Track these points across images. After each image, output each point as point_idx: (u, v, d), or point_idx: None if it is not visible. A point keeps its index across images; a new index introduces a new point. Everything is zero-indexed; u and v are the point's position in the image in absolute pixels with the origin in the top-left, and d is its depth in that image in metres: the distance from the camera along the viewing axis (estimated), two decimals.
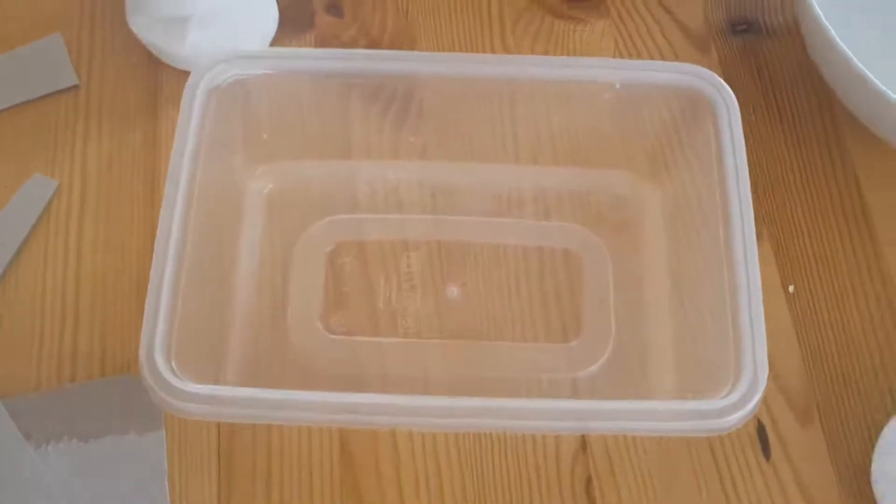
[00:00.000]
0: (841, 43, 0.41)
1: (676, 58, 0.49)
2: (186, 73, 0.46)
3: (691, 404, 0.33)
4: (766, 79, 0.49)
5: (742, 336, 0.34)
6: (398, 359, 0.42)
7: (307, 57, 0.40)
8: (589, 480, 0.40)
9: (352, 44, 0.49)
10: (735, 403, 0.33)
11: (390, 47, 0.49)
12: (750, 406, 0.33)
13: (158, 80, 0.47)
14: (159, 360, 0.33)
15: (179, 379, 0.33)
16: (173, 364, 0.33)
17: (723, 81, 0.39)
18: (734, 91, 0.48)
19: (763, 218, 0.45)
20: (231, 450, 0.39)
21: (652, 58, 0.49)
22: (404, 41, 0.49)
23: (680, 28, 0.50)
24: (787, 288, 0.44)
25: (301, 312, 0.42)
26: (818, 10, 0.41)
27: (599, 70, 0.39)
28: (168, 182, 0.36)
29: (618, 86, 0.39)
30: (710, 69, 0.48)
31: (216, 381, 0.38)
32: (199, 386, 0.33)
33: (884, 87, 0.40)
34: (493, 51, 0.49)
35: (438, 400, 0.34)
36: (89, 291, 0.42)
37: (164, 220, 0.35)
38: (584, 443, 0.40)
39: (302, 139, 0.44)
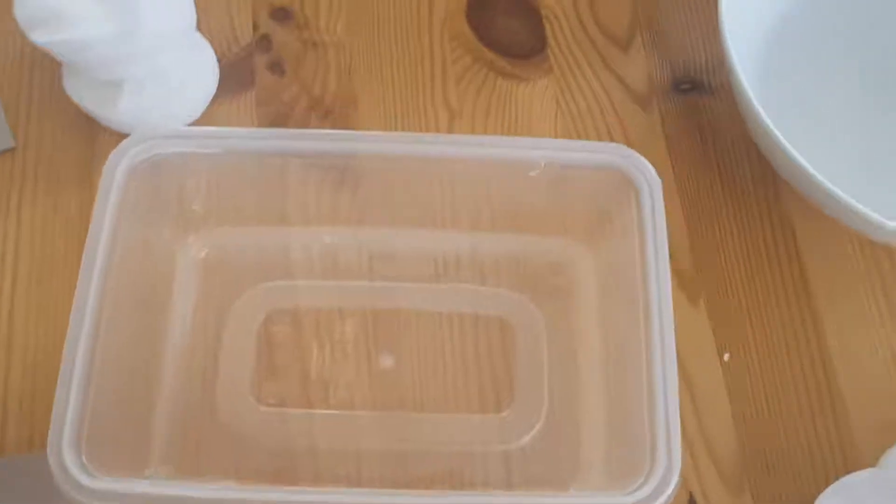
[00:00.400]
0: (768, 121, 0.41)
1: (618, 116, 0.49)
2: (124, 136, 0.46)
3: (603, 498, 0.34)
4: (707, 138, 0.49)
5: (657, 427, 0.34)
6: (329, 431, 0.41)
7: (233, 136, 0.40)
8: None
9: (293, 103, 0.48)
10: (646, 499, 0.33)
11: (332, 106, 0.49)
12: (661, 500, 0.33)
13: (96, 142, 0.47)
14: (68, 456, 0.33)
15: (90, 475, 0.32)
16: (84, 458, 0.33)
17: (644, 160, 0.39)
18: (675, 151, 0.48)
19: (700, 283, 0.45)
20: None
21: (593, 116, 0.49)
22: (347, 100, 0.49)
23: (623, 86, 0.50)
24: (723, 356, 0.44)
25: (231, 383, 0.42)
26: (749, 94, 0.41)
27: (528, 151, 0.40)
28: (83, 261, 0.36)
29: (543, 164, 0.39)
30: (652, 128, 0.49)
31: (139, 460, 0.38)
32: (112, 482, 0.32)
33: (808, 165, 0.40)
34: (435, 109, 0.49)
35: (367, 497, 0.34)
36: (20, 361, 0.42)
37: (77, 303, 0.35)
38: None
39: (236, 207, 0.43)
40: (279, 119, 0.48)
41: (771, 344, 0.44)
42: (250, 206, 0.44)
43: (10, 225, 0.45)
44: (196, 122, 0.48)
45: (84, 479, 0.32)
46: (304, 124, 0.48)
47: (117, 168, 0.38)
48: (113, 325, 0.36)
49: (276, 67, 0.49)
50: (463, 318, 0.44)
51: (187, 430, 0.41)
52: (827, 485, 0.40)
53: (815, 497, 0.39)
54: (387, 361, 0.43)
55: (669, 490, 0.33)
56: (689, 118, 0.49)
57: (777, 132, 0.40)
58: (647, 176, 0.38)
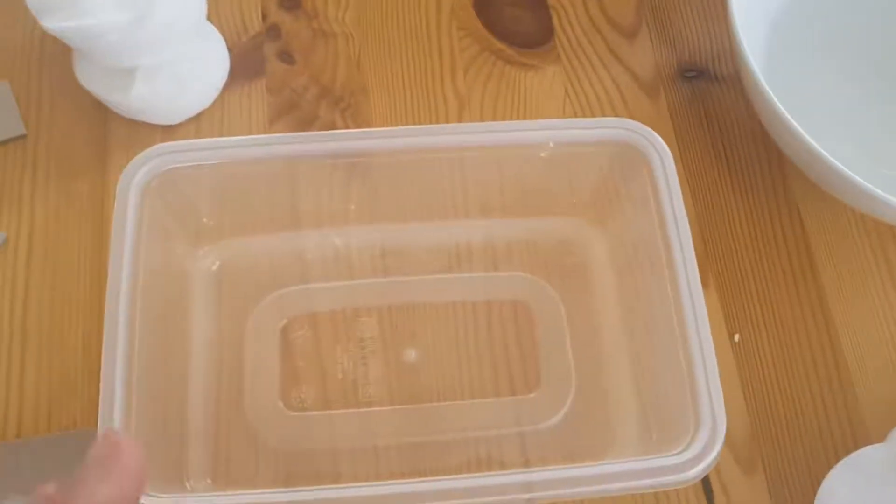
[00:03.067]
0: (780, 105, 0.41)
1: (625, 103, 0.49)
2: (135, 122, 0.47)
3: (653, 462, 0.34)
4: (714, 126, 0.49)
5: (697, 387, 0.35)
6: (364, 428, 0.41)
7: (239, 145, 0.40)
8: None
9: (302, 92, 0.49)
10: (696, 456, 0.34)
11: (341, 95, 0.49)
12: (711, 457, 0.34)
13: (107, 128, 0.47)
14: None
15: (146, 495, 0.33)
16: None
17: (653, 132, 0.39)
18: (682, 138, 0.49)
19: (709, 266, 0.46)
20: None
21: (601, 103, 0.49)
22: (356, 89, 0.49)
23: (629, 74, 0.50)
24: (733, 337, 0.44)
25: (259, 392, 0.41)
26: (760, 78, 0.42)
27: (535, 132, 0.40)
28: (109, 284, 0.36)
29: (552, 144, 0.40)
30: (659, 115, 0.49)
31: (178, 476, 0.38)
32: (158, 498, 0.33)
33: (815, 144, 0.40)
34: (444, 97, 0.49)
35: (390, 488, 0.34)
36: (36, 346, 0.42)
37: (108, 327, 0.35)
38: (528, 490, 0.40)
39: (245, 216, 0.43)
40: (290, 107, 0.48)
41: (780, 324, 0.45)
42: (260, 213, 0.44)
43: (23, 212, 0.45)
44: (207, 111, 0.48)
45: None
46: (315, 112, 0.48)
47: (130, 187, 0.38)
48: (143, 347, 0.36)
49: (286, 56, 0.50)
50: (481, 306, 0.44)
51: (220, 442, 0.40)
52: (837, 461, 0.41)
53: (825, 473, 0.40)
54: (411, 355, 0.43)
55: (717, 447, 0.34)
56: (696, 105, 0.50)
57: (786, 113, 0.41)
58: (658, 147, 0.39)
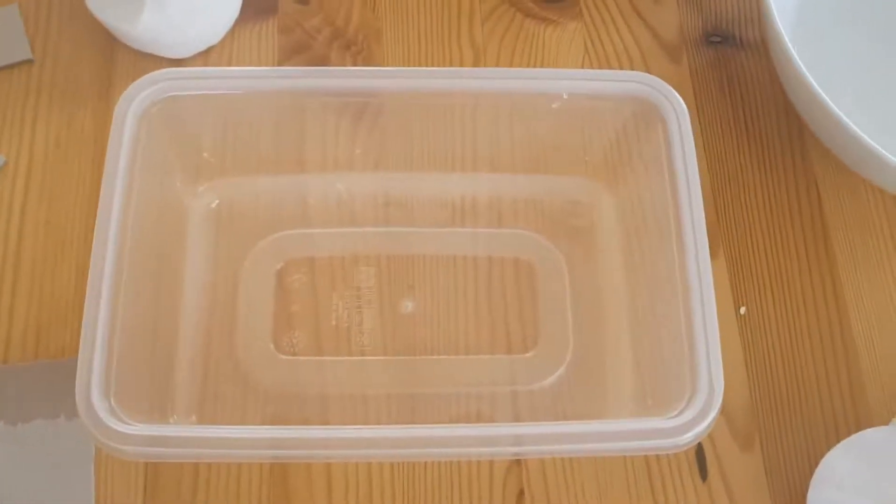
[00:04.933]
0: (807, 73, 0.40)
1: (646, 65, 0.48)
2: (143, 54, 0.46)
3: (646, 424, 0.33)
4: (735, 92, 0.48)
5: (697, 353, 0.34)
6: (355, 377, 0.41)
7: (248, 76, 0.39)
8: (521, 494, 0.39)
9: (315, 33, 0.47)
10: (691, 421, 0.33)
11: (354, 38, 0.48)
12: (705, 423, 0.33)
13: (114, 59, 0.46)
14: (98, 402, 0.32)
15: (121, 421, 0.32)
16: (113, 402, 0.33)
17: (672, 89, 0.38)
18: (703, 103, 0.47)
19: (720, 235, 0.45)
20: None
21: (621, 63, 0.48)
22: (370, 33, 0.48)
23: (652, 35, 0.49)
24: (739, 309, 0.43)
25: (251, 334, 0.41)
26: (787, 42, 0.40)
27: (551, 81, 0.39)
28: (100, 209, 0.35)
29: (565, 95, 0.38)
30: (680, 78, 0.48)
31: (162, 411, 0.38)
32: (136, 426, 0.32)
33: (851, 122, 0.39)
34: (460, 47, 0.48)
35: (377, 431, 0.33)
36: (28, 273, 0.42)
37: (96, 250, 0.34)
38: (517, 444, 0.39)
39: (248, 154, 0.42)
40: (300, 48, 0.47)
41: (789, 300, 0.43)
42: (263, 151, 0.42)
43: (24, 138, 0.44)
44: (216, 47, 0.47)
45: (116, 425, 0.32)
46: (326, 55, 0.47)
47: (128, 112, 0.36)
48: (132, 279, 0.35)
49: None
50: (483, 262, 0.43)
51: (208, 380, 0.40)
52: (838, 441, 0.39)
53: (824, 453, 0.39)
54: (408, 307, 0.42)
55: (713, 414, 0.33)
56: (719, 71, 0.48)
57: (809, 77, 0.39)
58: (675, 104, 0.37)
